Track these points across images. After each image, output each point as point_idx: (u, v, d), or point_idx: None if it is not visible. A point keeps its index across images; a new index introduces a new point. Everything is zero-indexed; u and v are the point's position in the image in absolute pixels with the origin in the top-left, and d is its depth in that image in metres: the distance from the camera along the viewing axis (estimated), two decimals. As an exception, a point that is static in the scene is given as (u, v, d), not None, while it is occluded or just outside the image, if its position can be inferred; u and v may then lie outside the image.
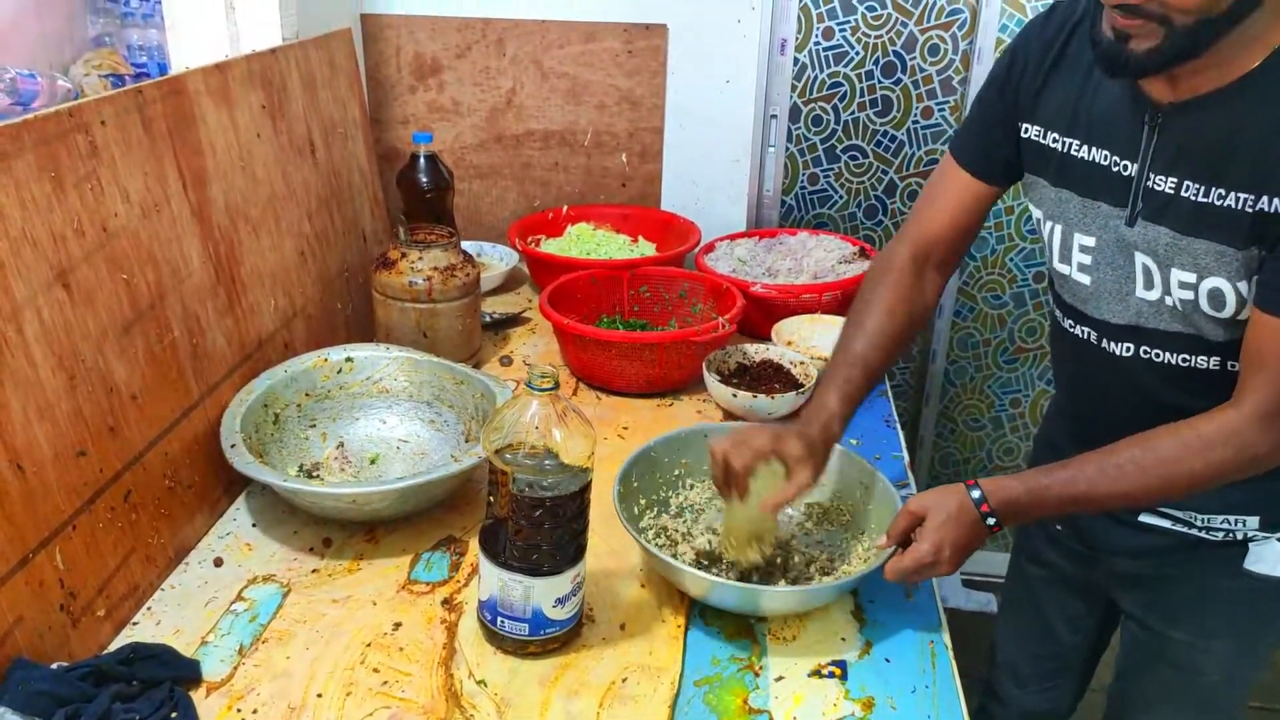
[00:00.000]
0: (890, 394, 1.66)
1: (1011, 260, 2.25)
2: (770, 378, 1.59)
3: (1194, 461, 0.98)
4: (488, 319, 1.83)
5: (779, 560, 1.16)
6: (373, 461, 1.37)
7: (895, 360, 1.21)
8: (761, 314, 1.76)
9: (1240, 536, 1.13)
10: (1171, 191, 0.98)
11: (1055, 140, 1.08)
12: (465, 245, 2.03)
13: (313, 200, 1.58)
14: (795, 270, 1.88)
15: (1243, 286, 0.96)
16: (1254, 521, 1.12)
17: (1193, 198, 0.96)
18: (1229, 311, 0.98)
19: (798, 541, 1.22)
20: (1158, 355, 1.06)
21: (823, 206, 2.25)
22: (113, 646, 1.01)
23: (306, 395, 1.37)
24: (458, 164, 2.16)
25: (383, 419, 1.42)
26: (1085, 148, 1.05)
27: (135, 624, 1.06)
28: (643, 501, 1.24)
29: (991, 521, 1.03)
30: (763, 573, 1.14)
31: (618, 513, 1.12)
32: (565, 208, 2.13)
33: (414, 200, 1.83)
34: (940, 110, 2.12)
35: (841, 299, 1.78)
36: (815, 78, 2.14)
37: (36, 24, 2.69)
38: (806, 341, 1.72)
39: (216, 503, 1.24)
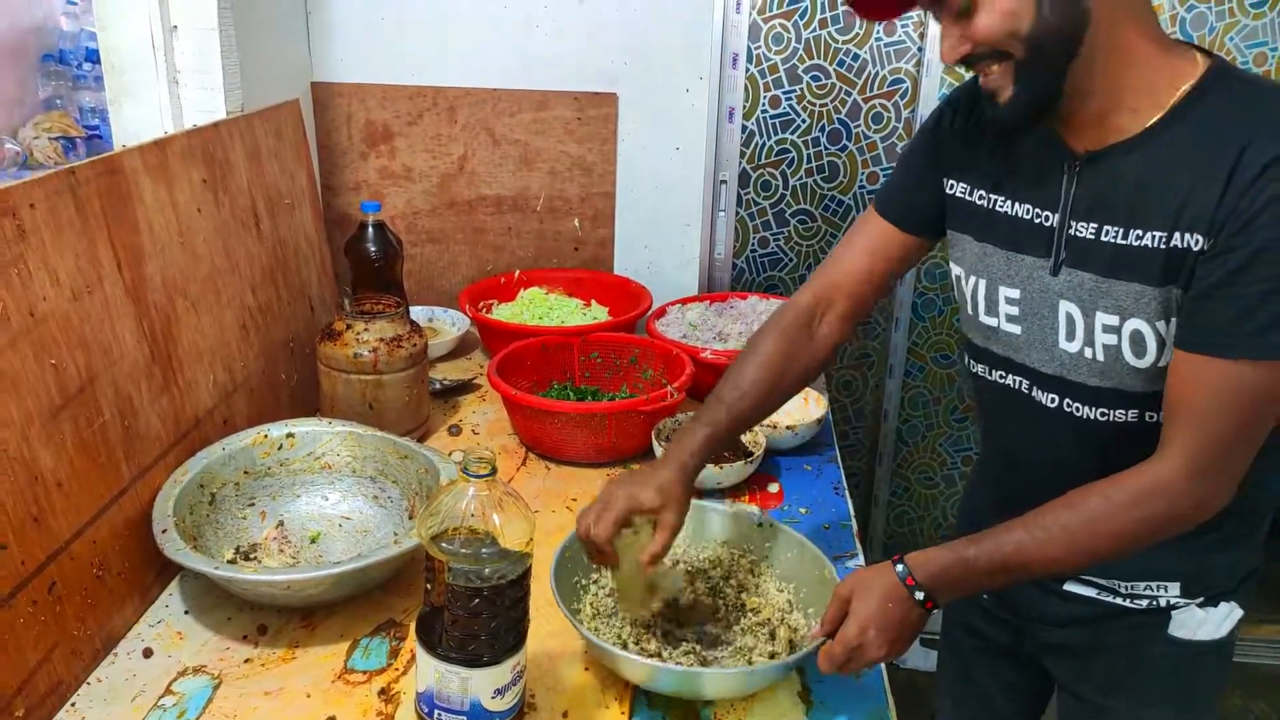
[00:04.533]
0: (840, 459, 1.66)
1: (959, 321, 2.27)
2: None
3: (1121, 520, 0.97)
4: (438, 386, 1.81)
5: (692, 604, 1.19)
6: (313, 540, 1.34)
7: (773, 407, 1.23)
8: (712, 379, 1.76)
9: (1163, 604, 1.13)
10: (1093, 237, 1.01)
11: (981, 197, 1.12)
12: (417, 310, 2.03)
13: (256, 272, 1.56)
14: (746, 334, 1.89)
15: (1161, 327, 0.98)
16: (1175, 588, 1.12)
17: (1113, 241, 0.99)
18: (1149, 358, 1.00)
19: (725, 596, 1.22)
20: (1079, 409, 1.07)
21: (773, 269, 2.28)
22: (30, 749, 0.97)
23: (245, 473, 1.35)
24: (410, 229, 2.16)
25: (325, 495, 1.39)
26: (1009, 203, 1.09)
27: (56, 722, 1.02)
28: (580, 579, 1.22)
29: (920, 596, 1.01)
30: (676, 623, 1.17)
31: (555, 597, 1.10)
32: (518, 272, 2.13)
33: (362, 269, 1.82)
34: (885, 175, 2.16)
35: (791, 364, 1.79)
36: (763, 144, 2.17)
37: (-15, 88, 2.67)
38: (756, 407, 1.72)
39: (148, 589, 1.21)
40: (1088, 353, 1.04)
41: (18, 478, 1.01)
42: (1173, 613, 1.13)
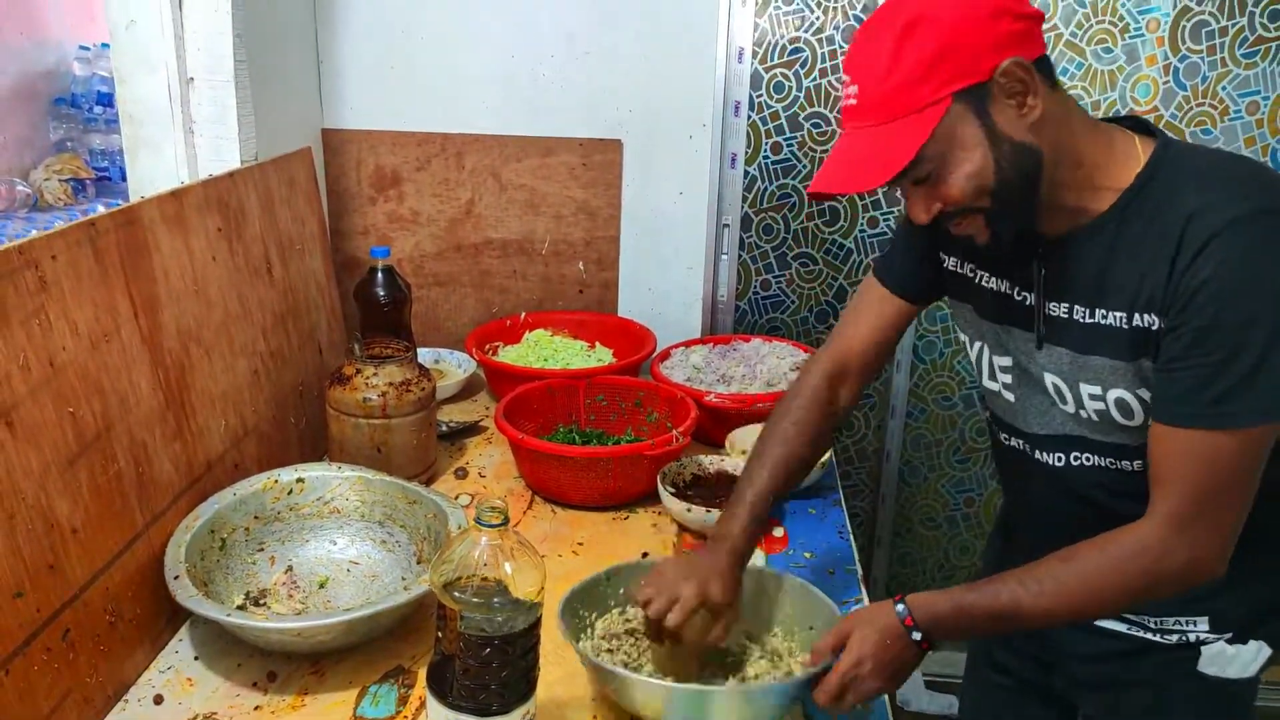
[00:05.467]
0: (844, 502, 1.67)
1: (960, 363, 2.30)
2: (725, 489, 1.60)
3: (1114, 576, 1.00)
4: (444, 428, 1.83)
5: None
6: (322, 585, 1.35)
7: (802, 477, 1.28)
8: (716, 422, 1.79)
9: (1193, 639, 1.16)
10: (1065, 316, 1.07)
11: (971, 271, 1.18)
12: (423, 352, 2.05)
13: (268, 318, 1.59)
14: (749, 377, 1.90)
15: (1144, 394, 1.03)
16: (1204, 623, 1.15)
17: (1081, 320, 1.05)
18: (1138, 419, 1.04)
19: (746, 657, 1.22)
20: (1088, 460, 1.11)
21: (776, 311, 2.30)
22: (42, 798, 0.97)
23: (255, 518, 1.36)
24: (417, 272, 2.18)
25: (333, 540, 1.41)
26: (991, 279, 1.15)
27: (67, 771, 1.02)
28: (584, 616, 1.22)
29: (917, 636, 1.04)
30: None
31: (562, 631, 1.11)
32: (523, 314, 2.15)
33: (371, 313, 1.84)
34: (885, 220, 2.20)
35: (794, 407, 1.81)
36: (765, 189, 2.21)
37: (-1, 132, 2.71)
38: (760, 450, 1.73)
39: (159, 635, 1.21)
40: (1082, 414, 1.09)
41: (35, 525, 1.02)
42: (1202, 648, 1.16)
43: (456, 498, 1.59)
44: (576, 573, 1.36)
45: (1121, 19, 2.01)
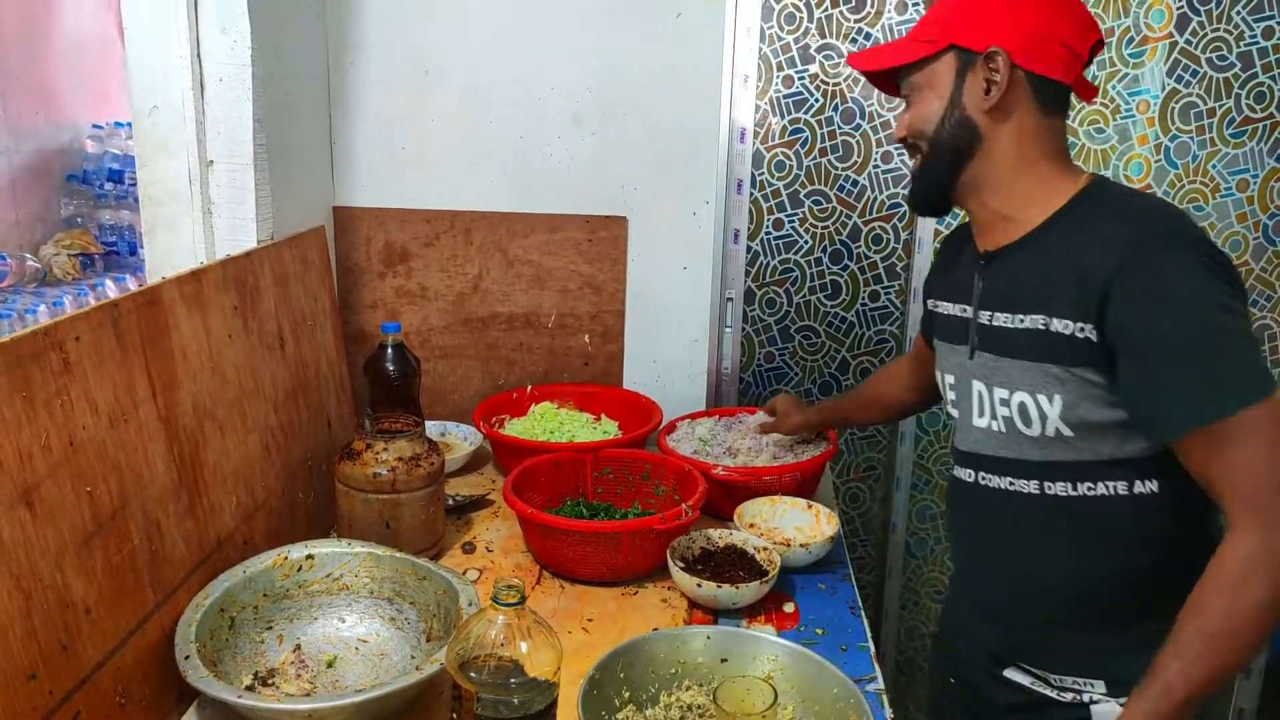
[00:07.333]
0: (853, 576, 1.66)
1: (963, 433, 2.31)
2: (735, 564, 1.60)
3: (1244, 602, 0.99)
4: (451, 502, 1.83)
5: None
6: (330, 664, 1.34)
7: (898, 409, 1.71)
8: (724, 495, 1.79)
9: (1087, 699, 1.19)
10: (989, 323, 1.19)
11: (934, 305, 1.37)
12: (430, 425, 2.06)
13: (280, 393, 1.60)
14: (755, 449, 1.91)
15: (1043, 400, 1.12)
16: (1101, 685, 1.19)
17: (1003, 325, 1.18)
18: (1036, 428, 1.13)
19: None
20: (988, 480, 1.22)
21: (780, 383, 2.32)
22: None
23: (264, 596, 1.35)
24: (424, 345, 2.21)
25: (341, 618, 1.40)
26: (947, 304, 1.32)
27: None
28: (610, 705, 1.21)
29: None
30: None
31: None
32: (529, 387, 2.17)
33: (381, 387, 1.86)
34: (886, 294, 2.23)
35: (801, 480, 1.81)
36: (768, 264, 2.25)
37: (11, 209, 2.77)
38: (769, 524, 1.74)
39: (166, 716, 1.20)
40: (994, 426, 1.19)
41: (50, 606, 1.02)
42: (1092, 708, 1.19)
43: (465, 573, 1.59)
44: (587, 649, 1.36)
45: (1113, 100, 2.08)
